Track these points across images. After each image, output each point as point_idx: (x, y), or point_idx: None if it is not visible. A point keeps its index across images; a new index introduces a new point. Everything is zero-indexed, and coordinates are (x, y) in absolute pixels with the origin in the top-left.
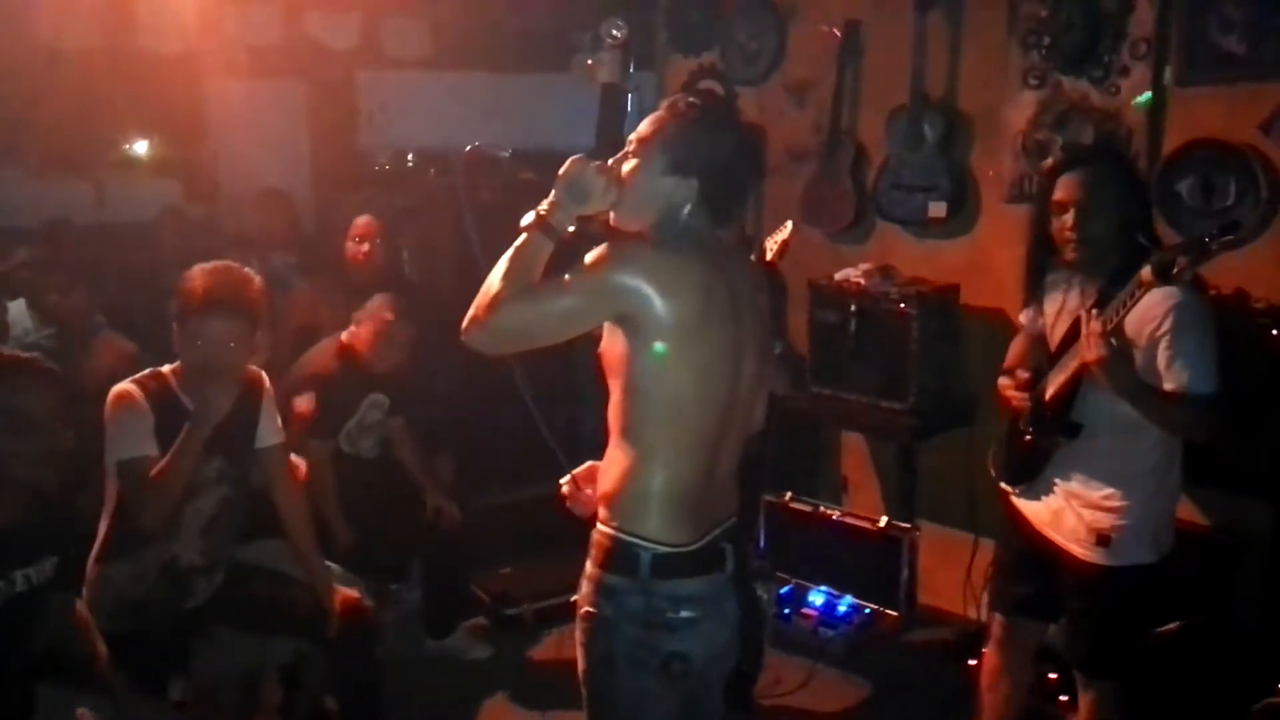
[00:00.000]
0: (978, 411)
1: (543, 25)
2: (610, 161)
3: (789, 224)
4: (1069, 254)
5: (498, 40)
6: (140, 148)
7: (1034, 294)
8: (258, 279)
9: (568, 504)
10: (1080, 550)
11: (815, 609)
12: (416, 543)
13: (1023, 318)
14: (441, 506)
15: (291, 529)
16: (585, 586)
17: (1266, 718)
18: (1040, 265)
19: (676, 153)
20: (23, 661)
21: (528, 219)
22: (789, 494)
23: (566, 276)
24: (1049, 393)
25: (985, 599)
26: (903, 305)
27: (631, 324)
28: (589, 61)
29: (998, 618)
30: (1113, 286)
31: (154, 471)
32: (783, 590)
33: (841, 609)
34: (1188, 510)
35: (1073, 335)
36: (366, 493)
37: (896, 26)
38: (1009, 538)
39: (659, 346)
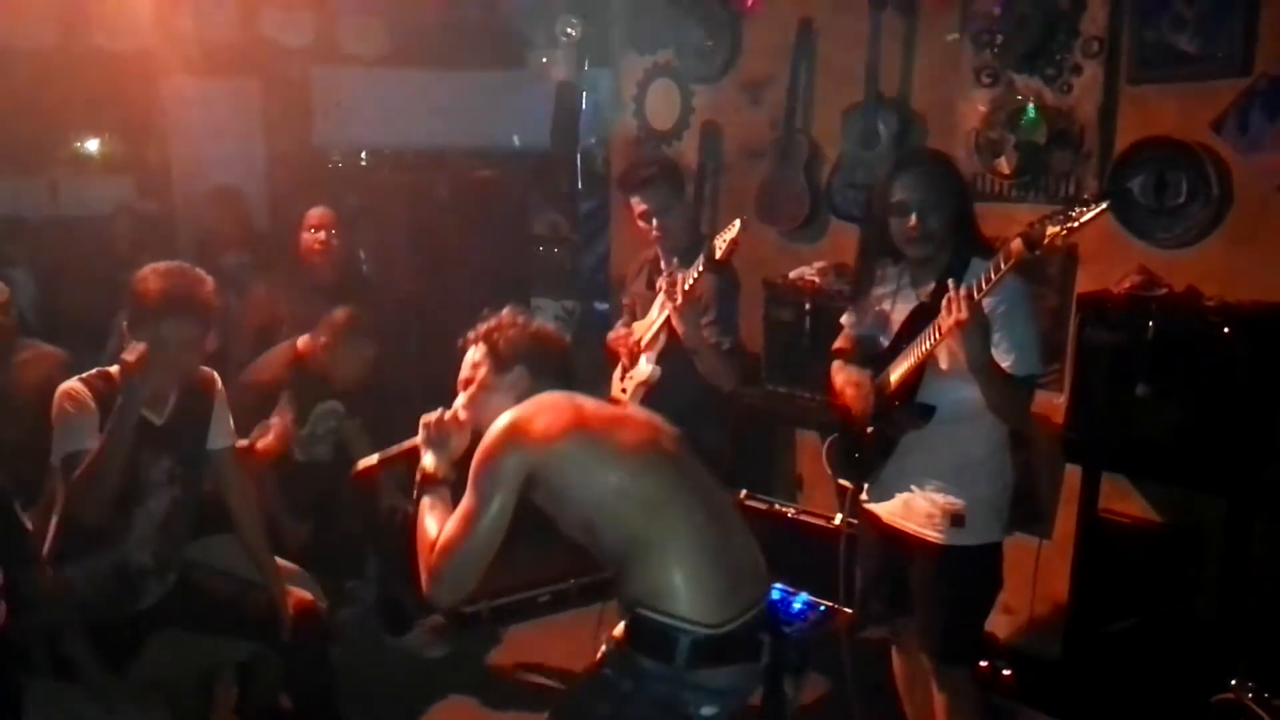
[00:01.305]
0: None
1: (498, 23)
2: (457, 401)
3: (738, 222)
4: (912, 252)
5: (453, 37)
6: (93, 145)
7: (863, 296)
8: (210, 280)
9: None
10: (934, 534)
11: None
12: (372, 540)
13: (845, 319)
14: (395, 505)
15: (244, 530)
16: (611, 649)
17: (1224, 709)
18: (872, 267)
19: (495, 358)
20: None
21: (417, 490)
22: (744, 492)
23: (468, 498)
24: (893, 382)
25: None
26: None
27: (545, 478)
28: (544, 59)
29: (881, 628)
30: (948, 278)
31: (88, 460)
32: None
33: (797, 606)
34: (1143, 506)
35: (911, 328)
36: (321, 493)
37: (851, 24)
38: (868, 544)
39: (575, 476)
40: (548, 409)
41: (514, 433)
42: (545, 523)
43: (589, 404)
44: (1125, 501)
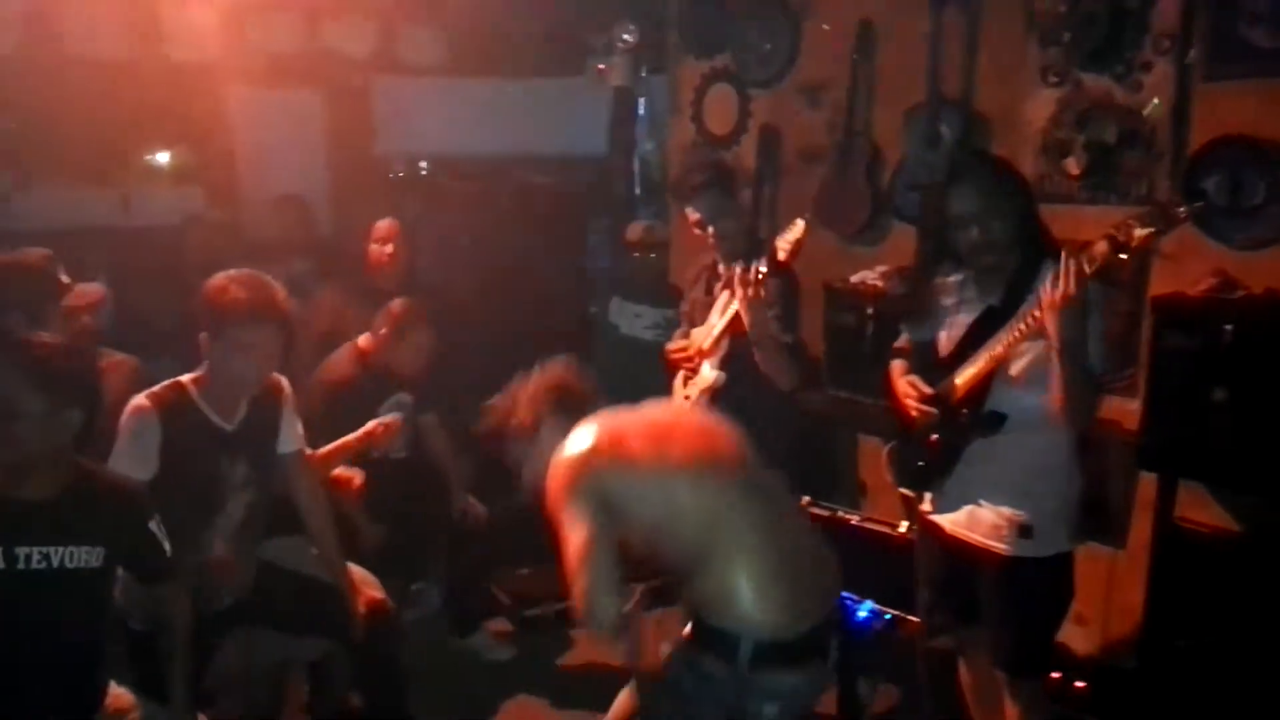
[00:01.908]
0: None
1: (555, 30)
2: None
3: (800, 222)
4: (978, 262)
5: (511, 46)
6: (163, 156)
7: (922, 302)
8: (281, 286)
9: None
10: (1002, 546)
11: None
12: (440, 542)
13: (904, 325)
14: (468, 506)
15: (315, 532)
16: (677, 650)
17: None
18: (932, 273)
19: (524, 430)
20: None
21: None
22: (806, 499)
23: (569, 538)
24: (959, 391)
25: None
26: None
27: (612, 502)
28: (601, 66)
29: (950, 639)
30: (1018, 283)
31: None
32: None
33: (862, 614)
34: (1220, 515)
35: (978, 333)
36: (393, 492)
37: (912, 24)
38: (930, 554)
39: (634, 493)
40: (597, 434)
41: (570, 467)
42: None
43: (634, 421)
44: (1203, 510)
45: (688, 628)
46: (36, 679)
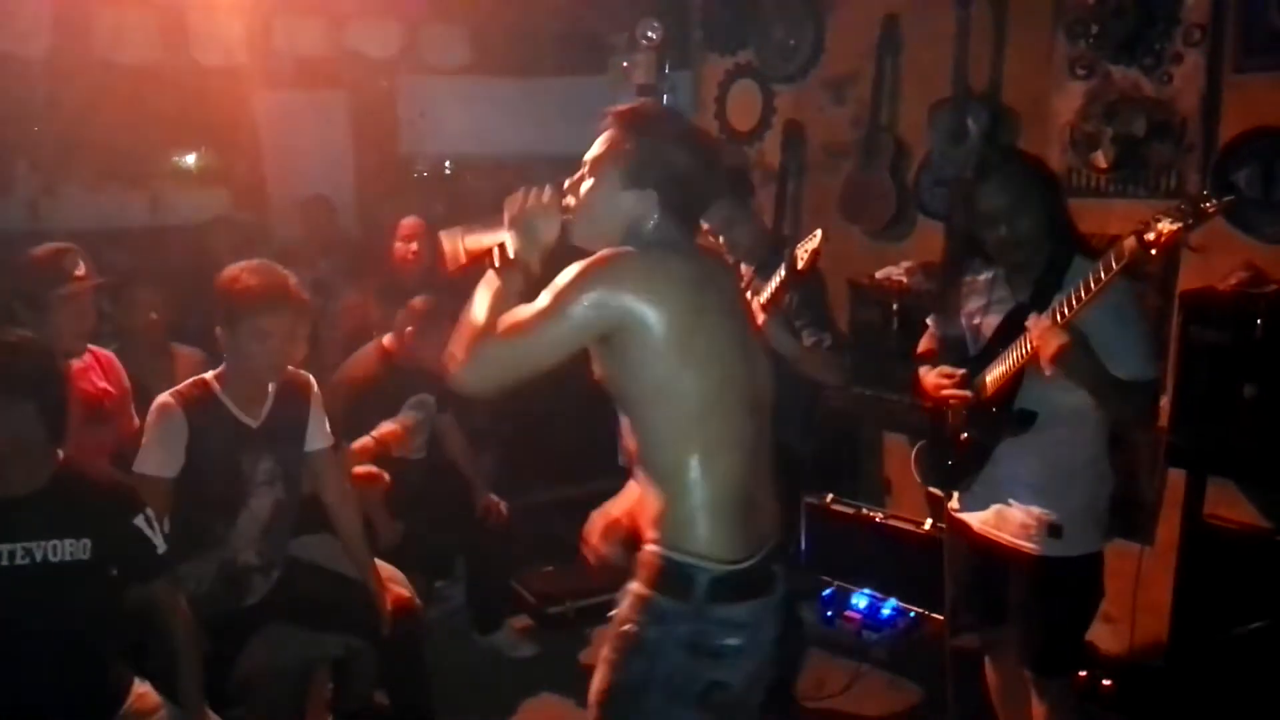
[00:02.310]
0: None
1: (578, 29)
2: (567, 183)
3: (819, 232)
4: (1006, 259)
5: (534, 45)
6: (190, 159)
7: (950, 300)
8: (293, 275)
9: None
10: (1031, 546)
11: (859, 612)
12: (462, 540)
13: (930, 322)
14: (490, 503)
15: (343, 529)
16: (628, 603)
17: None
18: (961, 270)
19: (631, 166)
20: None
21: (497, 259)
22: (830, 496)
23: (547, 300)
24: (989, 389)
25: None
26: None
27: (626, 337)
28: (624, 64)
29: (976, 637)
30: (1047, 279)
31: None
32: (825, 593)
33: (886, 612)
34: (1250, 512)
35: (1007, 330)
36: (414, 491)
37: (937, 18)
38: (957, 552)
39: (669, 352)
40: (669, 275)
41: (627, 273)
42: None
43: (713, 297)
44: (1232, 507)
45: (636, 581)
46: (41, 678)
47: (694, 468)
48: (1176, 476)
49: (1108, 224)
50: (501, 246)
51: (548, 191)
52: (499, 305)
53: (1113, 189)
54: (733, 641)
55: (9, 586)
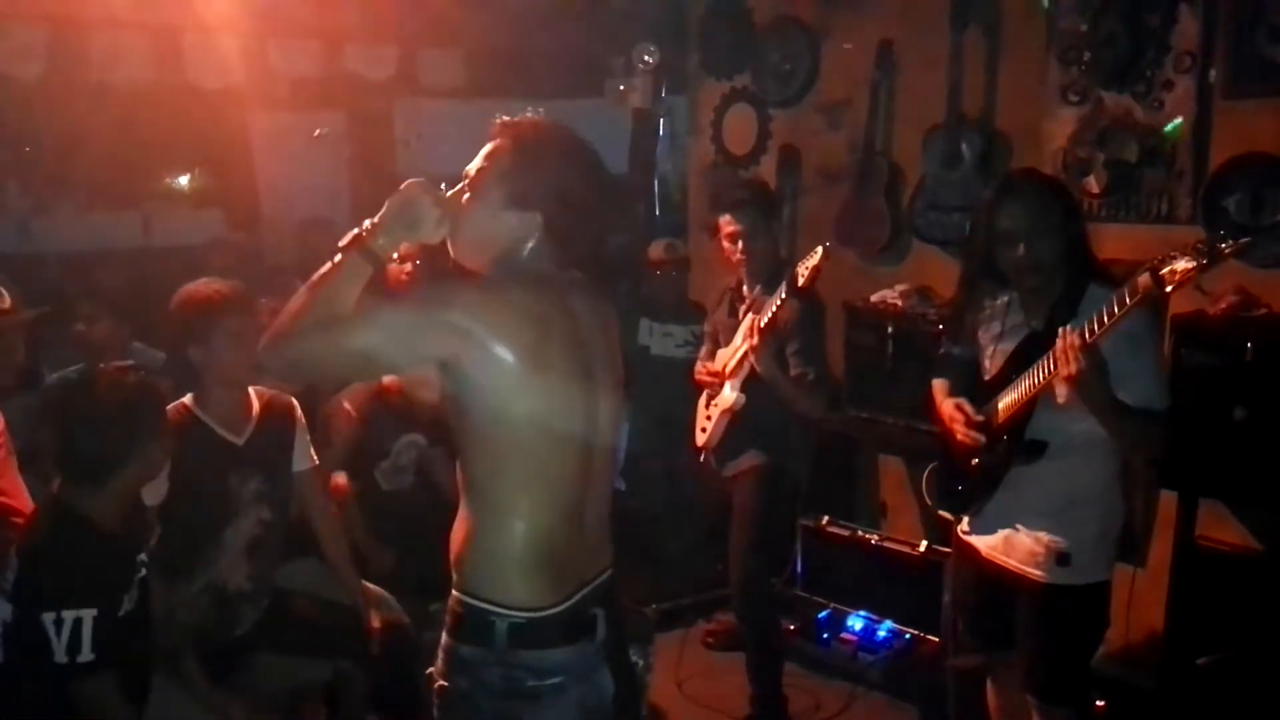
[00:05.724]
0: None
1: (575, 52)
2: (452, 190)
3: (820, 249)
4: (1023, 282)
5: (530, 67)
6: (184, 180)
7: (966, 326)
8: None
9: None
10: (1038, 573)
11: (854, 634)
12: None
13: (945, 345)
14: None
15: (329, 551)
16: (440, 658)
17: None
18: (978, 294)
19: (517, 184)
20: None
21: (346, 238)
22: (826, 518)
23: (376, 307)
24: (1001, 415)
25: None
26: (941, 327)
27: (459, 369)
28: (621, 87)
29: (978, 658)
30: (1062, 306)
31: None
32: (821, 615)
33: (881, 634)
34: (1241, 534)
35: (1021, 358)
36: (404, 517)
37: (932, 44)
38: (964, 576)
39: (497, 387)
40: (504, 309)
41: (457, 301)
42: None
43: (558, 334)
44: (1223, 528)
45: (444, 632)
46: None
47: (513, 516)
48: (1168, 498)
49: (1101, 249)
50: (364, 228)
51: (453, 193)
52: (332, 293)
53: (1105, 214)
54: (551, 681)
55: None
